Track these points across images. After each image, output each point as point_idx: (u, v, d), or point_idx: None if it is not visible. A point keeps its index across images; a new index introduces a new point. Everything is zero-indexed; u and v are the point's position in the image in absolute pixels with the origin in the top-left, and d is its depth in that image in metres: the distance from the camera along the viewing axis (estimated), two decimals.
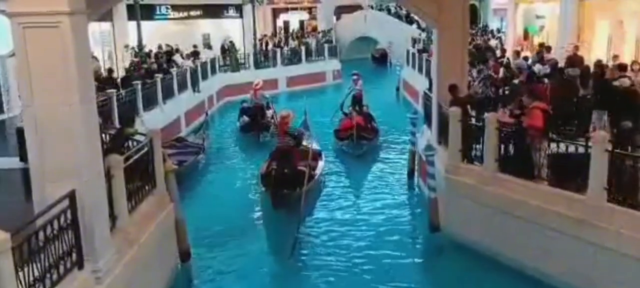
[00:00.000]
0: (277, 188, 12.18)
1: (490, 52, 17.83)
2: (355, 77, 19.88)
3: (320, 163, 14.74)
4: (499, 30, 31.41)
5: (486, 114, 10.05)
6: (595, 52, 17.94)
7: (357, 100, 19.22)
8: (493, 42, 25.46)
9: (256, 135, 19.04)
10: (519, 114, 9.81)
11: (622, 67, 11.51)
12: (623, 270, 7.62)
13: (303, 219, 11.61)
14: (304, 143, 14.66)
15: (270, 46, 31.11)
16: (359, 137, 16.77)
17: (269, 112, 20.09)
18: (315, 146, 15.78)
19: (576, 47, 16.62)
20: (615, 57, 12.74)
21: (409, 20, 39.66)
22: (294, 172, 12.68)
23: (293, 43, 33.18)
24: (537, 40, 23.56)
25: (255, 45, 30.68)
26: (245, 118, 20.02)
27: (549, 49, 17.11)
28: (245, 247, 10.88)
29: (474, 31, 29.68)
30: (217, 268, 10.04)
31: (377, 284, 9.42)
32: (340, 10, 44.53)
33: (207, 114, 19.95)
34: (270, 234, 11.98)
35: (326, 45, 33.25)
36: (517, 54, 17.38)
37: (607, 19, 19.73)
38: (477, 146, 10.13)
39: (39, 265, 5.78)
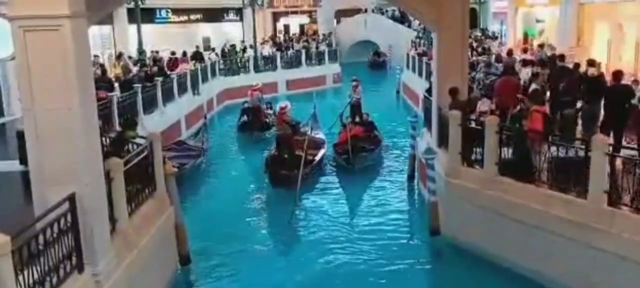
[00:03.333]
0: (276, 169, 13.86)
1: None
2: (354, 83, 19.09)
3: (322, 151, 16.00)
4: (494, 34, 31.39)
5: (487, 118, 10.04)
6: (595, 56, 17.93)
7: (355, 109, 18.28)
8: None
9: (250, 134, 19.68)
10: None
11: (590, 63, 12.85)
12: (623, 273, 7.61)
13: (300, 196, 12.98)
14: (312, 133, 16.53)
15: (266, 51, 30.71)
16: (358, 149, 15.45)
17: (270, 112, 20.62)
18: (320, 135, 17.42)
19: (553, 47, 18.06)
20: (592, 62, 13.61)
21: (407, 24, 39.74)
22: (292, 157, 14.23)
23: (297, 45, 33.05)
24: (536, 44, 23.62)
25: (255, 49, 30.65)
26: (245, 117, 20.54)
27: (541, 46, 18.50)
28: (245, 249, 10.87)
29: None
30: (217, 272, 10.02)
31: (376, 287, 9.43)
32: (340, 14, 44.55)
33: (205, 118, 19.93)
34: (270, 237, 11.97)
35: (326, 49, 33.23)
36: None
37: (607, 22, 19.78)
38: (477, 149, 10.13)
39: (38, 268, 5.77)
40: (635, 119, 9.85)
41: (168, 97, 18.86)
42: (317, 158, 15.45)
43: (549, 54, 16.17)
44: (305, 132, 16.08)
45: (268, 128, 19.69)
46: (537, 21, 27.45)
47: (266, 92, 23.44)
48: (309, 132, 16.40)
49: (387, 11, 43.18)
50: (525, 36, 27.55)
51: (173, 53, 24.22)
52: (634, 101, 10.28)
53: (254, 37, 31.59)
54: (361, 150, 15.57)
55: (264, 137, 19.13)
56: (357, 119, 17.87)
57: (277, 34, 39.44)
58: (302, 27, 43.84)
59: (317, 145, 16.40)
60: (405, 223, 12.31)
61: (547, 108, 9.93)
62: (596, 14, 20.71)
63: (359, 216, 12.76)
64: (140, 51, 22.36)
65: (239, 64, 28.73)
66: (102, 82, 15.62)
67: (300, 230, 12.27)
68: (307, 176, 13.90)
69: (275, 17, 43.15)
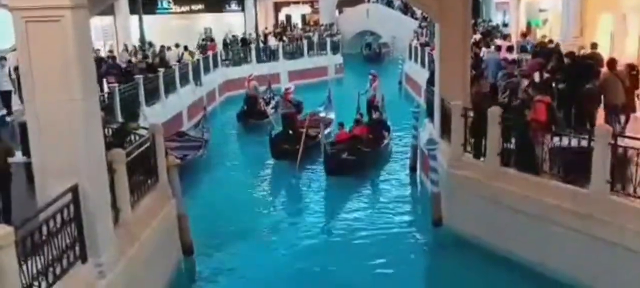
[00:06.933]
0: (278, 144, 15.30)
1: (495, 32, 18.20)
2: (371, 77, 18.13)
3: (327, 130, 16.69)
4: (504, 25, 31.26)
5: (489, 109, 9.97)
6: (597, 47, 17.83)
7: (372, 105, 17.37)
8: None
9: (245, 122, 20.07)
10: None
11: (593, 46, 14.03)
12: (627, 265, 7.61)
13: (300, 166, 14.80)
14: (326, 113, 18.64)
15: (272, 42, 30.72)
16: (350, 152, 14.60)
17: (273, 102, 21.45)
18: (331, 116, 18.68)
19: (543, 37, 19.26)
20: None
21: (410, 14, 39.59)
22: (295, 133, 15.75)
23: (305, 35, 33.12)
24: (539, 34, 23.55)
25: (257, 39, 30.60)
26: (245, 107, 20.78)
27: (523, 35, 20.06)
28: (247, 238, 10.89)
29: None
30: (221, 261, 10.06)
31: (378, 278, 9.44)
32: (342, 4, 44.34)
33: (205, 109, 19.84)
34: (271, 225, 11.94)
35: (328, 39, 33.11)
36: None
37: (610, 13, 19.65)
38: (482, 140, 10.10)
39: (42, 259, 5.79)
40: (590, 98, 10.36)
41: (170, 88, 18.85)
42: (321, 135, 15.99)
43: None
44: (317, 112, 18.19)
45: (265, 117, 19.76)
46: (540, 11, 27.29)
47: (264, 83, 23.58)
48: (323, 113, 18.56)
49: (391, 2, 42.91)
50: (528, 26, 27.39)
51: (204, 39, 28.41)
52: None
53: (256, 27, 31.52)
54: (355, 152, 14.62)
55: (259, 125, 19.32)
56: (374, 116, 16.93)
57: (278, 24, 39.36)
58: (303, 17, 43.74)
59: (324, 124, 16.64)
60: (407, 214, 12.31)
61: (549, 98, 9.87)
62: (599, 4, 20.57)
63: (361, 206, 12.77)
64: (142, 41, 22.43)
65: (241, 55, 28.68)
66: (113, 68, 16.32)
67: (301, 217, 12.35)
68: (307, 150, 15.08)
69: (277, 7, 43.07)
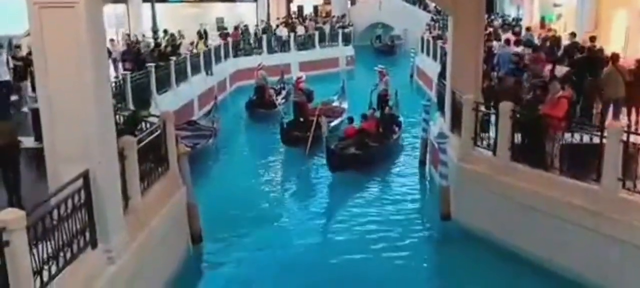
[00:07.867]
0: (288, 130, 15.54)
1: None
2: (379, 72, 17.83)
3: (338, 120, 17.62)
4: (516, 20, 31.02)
5: (500, 104, 9.92)
6: (612, 42, 17.64)
7: (383, 100, 16.99)
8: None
9: (253, 112, 20.17)
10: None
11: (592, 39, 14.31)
12: (636, 262, 7.56)
13: (310, 155, 14.99)
14: (340, 103, 19.52)
15: (283, 33, 30.67)
16: (359, 145, 14.61)
17: (284, 92, 21.98)
18: (344, 106, 19.30)
19: (549, 30, 19.70)
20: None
21: (423, 6, 39.36)
22: (306, 121, 16.11)
23: (316, 26, 33.05)
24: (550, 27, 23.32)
25: (269, 30, 30.53)
26: (254, 97, 20.84)
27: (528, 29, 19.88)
28: (256, 228, 10.95)
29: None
30: (229, 250, 10.11)
31: (386, 271, 9.45)
32: None
33: (216, 98, 19.84)
34: (280, 216, 11.97)
35: (340, 31, 32.98)
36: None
37: (625, 9, 19.43)
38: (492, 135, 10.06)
39: (53, 243, 5.85)
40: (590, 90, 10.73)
41: (181, 76, 18.89)
42: (332, 124, 16.42)
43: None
44: (331, 101, 19.14)
45: (273, 107, 19.75)
46: (555, 6, 27.04)
47: (276, 74, 23.53)
48: (337, 103, 19.38)
49: None
50: (542, 21, 27.14)
51: (225, 28, 29.46)
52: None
53: (268, 17, 31.46)
54: (363, 147, 14.56)
55: (268, 115, 19.35)
56: (386, 111, 16.53)
57: (290, 14, 39.26)
58: (315, 8, 43.60)
59: (334, 113, 18.05)
60: (416, 207, 12.30)
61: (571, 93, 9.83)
62: (615, 1, 20.35)
63: (369, 198, 12.77)
64: (155, 30, 22.44)
65: (252, 45, 28.64)
66: (128, 54, 16.73)
67: (310, 207, 12.37)
68: (318, 138, 14.63)
69: None
